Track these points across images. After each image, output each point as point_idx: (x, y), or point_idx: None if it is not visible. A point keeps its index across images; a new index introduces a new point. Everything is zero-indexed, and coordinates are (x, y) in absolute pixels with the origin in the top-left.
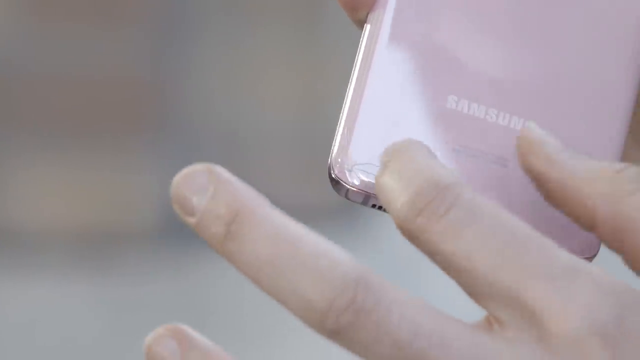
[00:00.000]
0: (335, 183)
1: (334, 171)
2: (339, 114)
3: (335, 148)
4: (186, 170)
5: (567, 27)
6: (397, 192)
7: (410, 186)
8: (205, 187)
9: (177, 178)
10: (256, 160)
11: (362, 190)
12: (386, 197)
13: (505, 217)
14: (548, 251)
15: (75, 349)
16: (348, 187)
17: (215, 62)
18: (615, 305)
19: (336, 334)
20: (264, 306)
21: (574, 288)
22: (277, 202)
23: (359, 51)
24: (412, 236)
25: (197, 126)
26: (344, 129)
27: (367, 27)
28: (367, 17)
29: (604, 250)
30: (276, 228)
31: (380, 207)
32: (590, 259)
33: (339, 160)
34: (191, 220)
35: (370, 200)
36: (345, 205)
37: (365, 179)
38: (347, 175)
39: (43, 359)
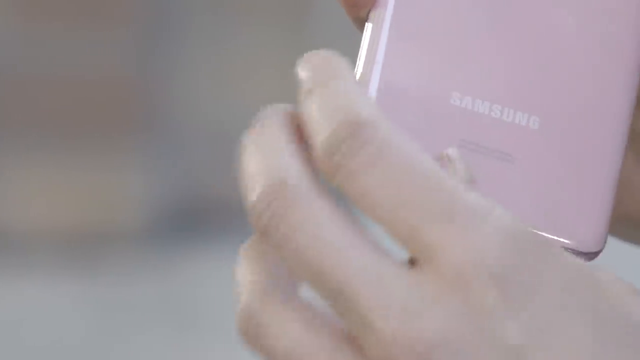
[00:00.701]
0: None
1: None
2: None
3: None
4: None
5: (568, 23)
6: (317, 128)
7: (330, 123)
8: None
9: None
10: None
11: None
12: (309, 130)
13: (417, 157)
14: (453, 193)
15: (61, 348)
16: None
17: (203, 63)
18: (512, 250)
19: (262, 234)
20: None
21: (472, 229)
22: None
23: (362, 49)
24: (329, 176)
25: (184, 126)
26: None
27: (369, 26)
28: (368, 15)
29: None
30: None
31: None
32: (596, 254)
33: None
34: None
35: None
36: None
37: None
38: None
39: (30, 358)
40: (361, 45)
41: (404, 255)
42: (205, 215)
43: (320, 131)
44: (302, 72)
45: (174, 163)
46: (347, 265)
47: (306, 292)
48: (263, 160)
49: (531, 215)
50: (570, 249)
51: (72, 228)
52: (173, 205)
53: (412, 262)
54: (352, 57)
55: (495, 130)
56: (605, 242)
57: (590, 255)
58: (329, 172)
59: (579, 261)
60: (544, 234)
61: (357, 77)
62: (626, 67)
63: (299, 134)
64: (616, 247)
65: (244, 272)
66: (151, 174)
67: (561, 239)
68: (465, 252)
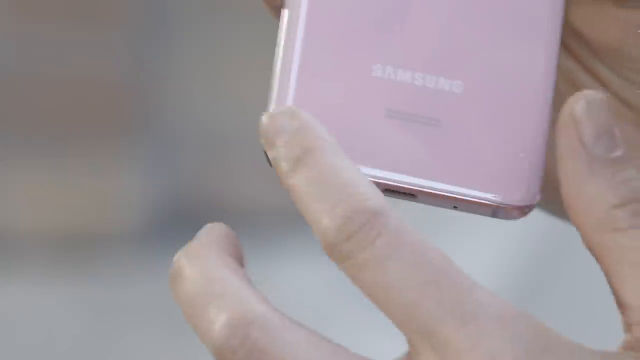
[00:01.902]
0: None
1: None
2: None
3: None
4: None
5: None
6: (319, 208)
7: (336, 205)
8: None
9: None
10: (237, 162)
11: None
12: (306, 207)
13: (427, 250)
14: (464, 290)
15: (54, 350)
16: None
17: (197, 64)
18: (521, 351)
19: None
20: None
21: (481, 332)
22: (258, 203)
23: (280, 31)
24: (336, 259)
25: (178, 128)
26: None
27: (286, 12)
28: (283, 1)
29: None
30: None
31: None
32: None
33: None
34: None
35: None
36: None
37: None
38: None
39: (23, 359)
40: (279, 28)
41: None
42: (199, 217)
43: (324, 213)
44: (276, 137)
45: (168, 165)
46: None
47: None
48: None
49: (461, 175)
50: (502, 204)
51: (66, 229)
52: (167, 207)
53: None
54: None
55: (419, 97)
56: (536, 197)
57: (523, 209)
58: (336, 259)
59: None
60: (474, 192)
61: (279, 63)
62: (547, 26)
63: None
64: None
65: None
66: (145, 175)
67: (491, 195)
68: (480, 357)
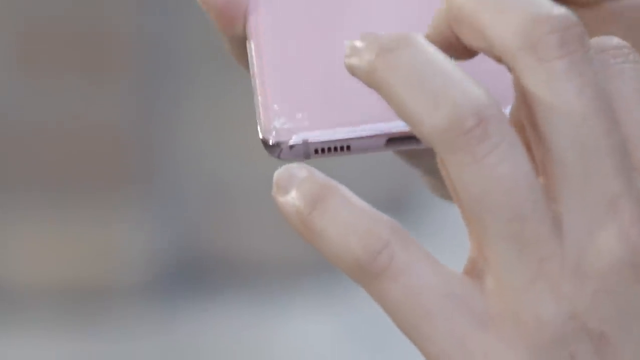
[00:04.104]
0: (275, 147)
1: (272, 136)
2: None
3: (262, 119)
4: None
5: None
6: (348, 245)
7: (354, 245)
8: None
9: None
10: (243, 214)
11: (304, 140)
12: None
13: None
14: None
15: None
16: (290, 143)
17: (203, 116)
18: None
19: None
20: None
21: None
22: (263, 255)
23: (251, 58)
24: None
25: (184, 180)
26: (262, 97)
27: (252, 43)
28: (245, 31)
29: None
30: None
31: (323, 151)
32: None
33: (272, 124)
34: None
35: (311, 148)
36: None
37: (304, 130)
38: (284, 133)
39: None
40: (249, 60)
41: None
42: (205, 270)
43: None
44: (297, 196)
45: (173, 217)
46: None
47: None
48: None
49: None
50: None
51: (72, 283)
52: (173, 259)
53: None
54: None
55: None
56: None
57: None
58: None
59: None
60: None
61: (257, 82)
62: None
63: None
64: None
65: None
66: (151, 228)
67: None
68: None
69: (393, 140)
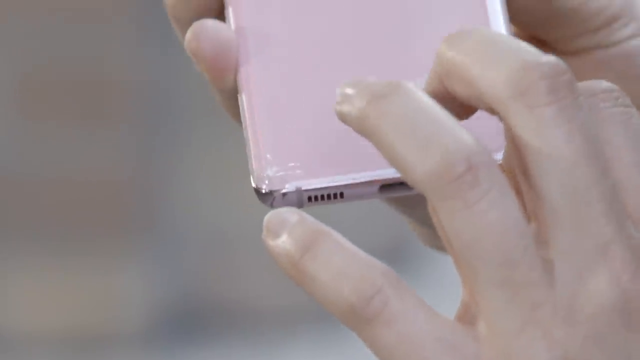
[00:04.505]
0: (268, 195)
1: (265, 185)
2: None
3: (254, 168)
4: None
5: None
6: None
7: (348, 284)
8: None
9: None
10: (242, 262)
11: (297, 188)
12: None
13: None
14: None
15: None
16: (283, 192)
17: (201, 165)
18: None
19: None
20: None
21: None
22: (262, 303)
23: (243, 111)
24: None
25: (183, 228)
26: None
27: (243, 96)
28: (236, 84)
29: None
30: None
31: (316, 198)
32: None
33: (265, 173)
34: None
35: (304, 196)
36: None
37: (297, 179)
38: (277, 181)
39: None
40: (242, 118)
41: None
42: (204, 317)
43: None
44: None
45: (173, 264)
46: None
47: None
48: None
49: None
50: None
51: (72, 331)
52: (173, 307)
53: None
54: None
55: None
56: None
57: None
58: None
59: None
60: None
61: (249, 131)
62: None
63: None
64: None
65: None
66: (150, 276)
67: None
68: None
69: (386, 186)
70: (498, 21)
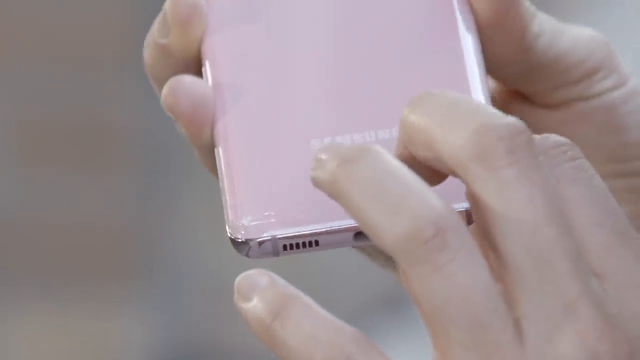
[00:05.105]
0: (244, 244)
1: (240, 234)
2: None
3: (230, 217)
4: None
5: (380, 27)
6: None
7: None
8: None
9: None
10: None
11: (272, 237)
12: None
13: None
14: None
15: None
16: (259, 240)
17: (201, 212)
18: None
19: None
20: None
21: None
22: (262, 348)
23: (219, 162)
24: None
25: (183, 273)
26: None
27: (220, 149)
28: (213, 137)
29: None
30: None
31: (292, 247)
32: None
33: (241, 222)
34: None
35: (279, 245)
36: None
37: (272, 228)
38: (252, 230)
39: None
40: (218, 170)
41: None
42: None
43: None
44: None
45: (173, 310)
46: None
47: None
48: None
49: None
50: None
51: None
52: (172, 352)
53: None
54: None
55: None
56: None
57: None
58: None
59: None
60: None
61: (225, 180)
62: (461, 49)
63: None
64: None
65: None
66: (150, 321)
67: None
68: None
69: (361, 234)
70: (475, 77)
